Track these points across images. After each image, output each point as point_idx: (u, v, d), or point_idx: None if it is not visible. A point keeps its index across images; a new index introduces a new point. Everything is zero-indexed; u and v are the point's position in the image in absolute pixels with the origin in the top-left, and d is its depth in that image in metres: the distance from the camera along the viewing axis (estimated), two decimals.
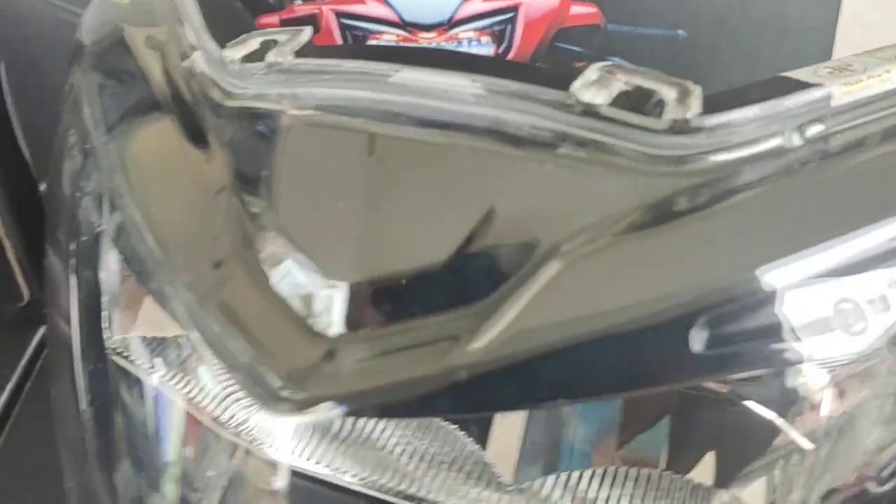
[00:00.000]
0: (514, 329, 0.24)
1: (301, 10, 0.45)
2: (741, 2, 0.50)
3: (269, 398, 0.25)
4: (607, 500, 0.29)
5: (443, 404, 0.25)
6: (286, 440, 0.30)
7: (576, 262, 0.24)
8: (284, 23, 0.45)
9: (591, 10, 0.47)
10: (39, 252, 0.54)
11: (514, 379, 0.24)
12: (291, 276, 0.26)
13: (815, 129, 0.25)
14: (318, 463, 0.30)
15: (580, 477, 0.30)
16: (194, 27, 0.31)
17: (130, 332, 0.32)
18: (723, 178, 0.25)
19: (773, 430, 0.28)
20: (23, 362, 0.53)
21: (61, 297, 0.34)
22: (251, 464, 0.31)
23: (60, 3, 0.47)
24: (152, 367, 0.32)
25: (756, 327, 0.24)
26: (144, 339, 0.32)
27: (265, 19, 0.45)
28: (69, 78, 0.34)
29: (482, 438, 0.31)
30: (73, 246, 0.33)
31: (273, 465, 0.30)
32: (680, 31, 0.49)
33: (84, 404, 0.33)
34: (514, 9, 0.45)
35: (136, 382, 0.32)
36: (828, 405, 0.27)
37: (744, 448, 0.30)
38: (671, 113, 0.25)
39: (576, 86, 0.26)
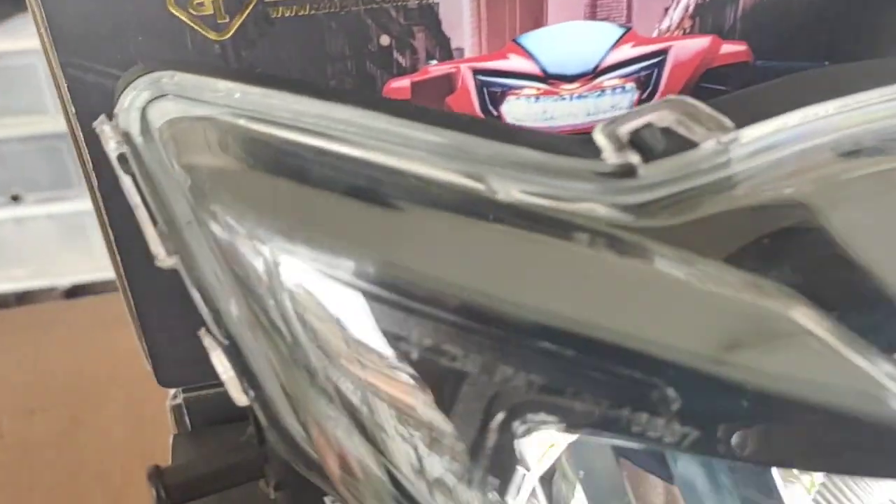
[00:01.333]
0: None
1: (435, 70, 0.42)
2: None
3: None
4: None
5: None
6: None
7: None
8: (416, 86, 0.43)
9: (740, 47, 0.43)
10: None
11: None
12: None
13: None
14: None
15: None
16: None
17: None
18: None
19: None
20: None
21: None
22: None
23: None
24: None
25: None
26: None
27: (395, 83, 0.43)
28: None
29: None
30: None
31: None
32: (826, 63, 0.46)
33: None
34: (664, 52, 0.42)
35: None
36: None
37: None
38: None
39: None
